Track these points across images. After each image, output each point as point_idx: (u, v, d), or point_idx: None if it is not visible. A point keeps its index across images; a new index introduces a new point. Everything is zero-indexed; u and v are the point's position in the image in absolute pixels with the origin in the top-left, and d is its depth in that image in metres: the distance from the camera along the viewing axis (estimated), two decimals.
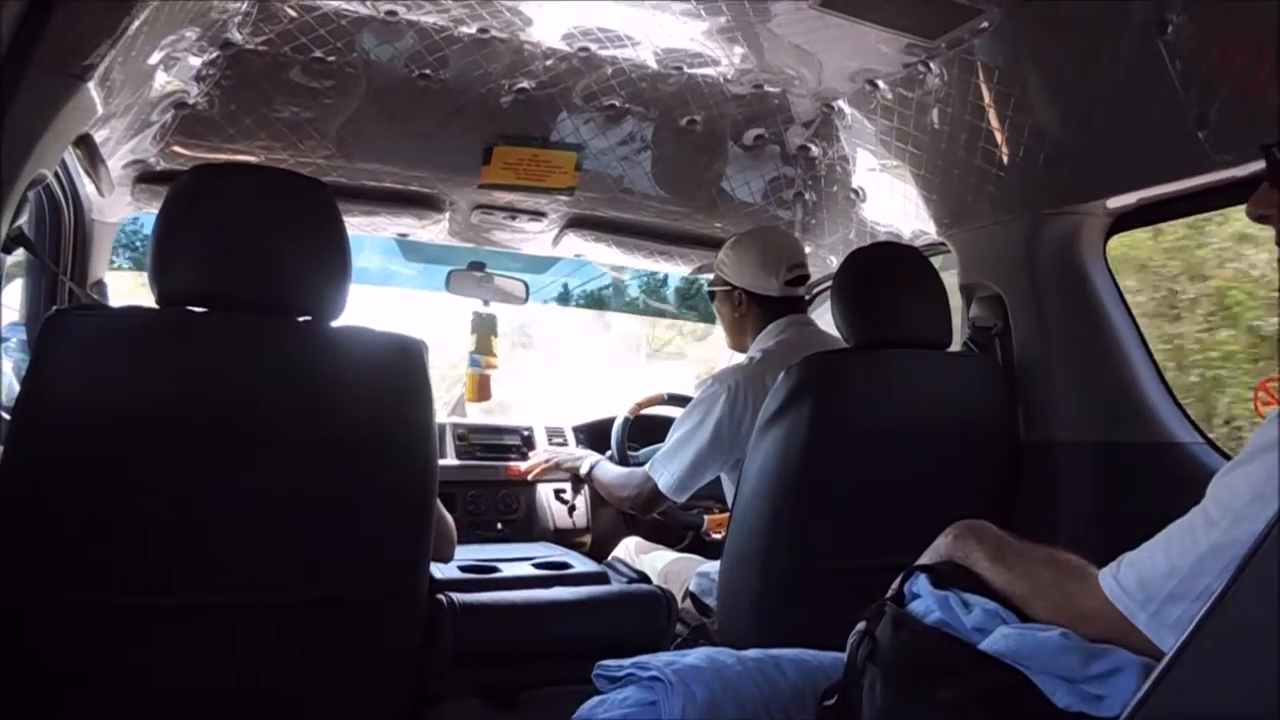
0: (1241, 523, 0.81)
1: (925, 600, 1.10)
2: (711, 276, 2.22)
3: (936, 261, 1.89)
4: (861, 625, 1.11)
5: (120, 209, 2.08)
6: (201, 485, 1.21)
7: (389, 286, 3.01)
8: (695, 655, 1.25)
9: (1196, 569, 0.84)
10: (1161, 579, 0.87)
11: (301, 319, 1.29)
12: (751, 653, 1.29)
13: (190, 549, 1.21)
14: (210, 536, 1.22)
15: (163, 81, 1.70)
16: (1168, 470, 1.62)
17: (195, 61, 1.73)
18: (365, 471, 1.29)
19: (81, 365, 1.16)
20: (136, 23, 1.27)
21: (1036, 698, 0.88)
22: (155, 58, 1.56)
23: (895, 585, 1.09)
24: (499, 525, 2.37)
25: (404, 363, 1.31)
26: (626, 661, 1.26)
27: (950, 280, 1.92)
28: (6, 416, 1.34)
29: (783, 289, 2.04)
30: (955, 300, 1.90)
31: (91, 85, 1.30)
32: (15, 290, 1.87)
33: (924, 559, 1.17)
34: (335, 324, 1.31)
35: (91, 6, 1.20)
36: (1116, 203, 1.70)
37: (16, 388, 1.51)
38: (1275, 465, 0.80)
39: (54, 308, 1.77)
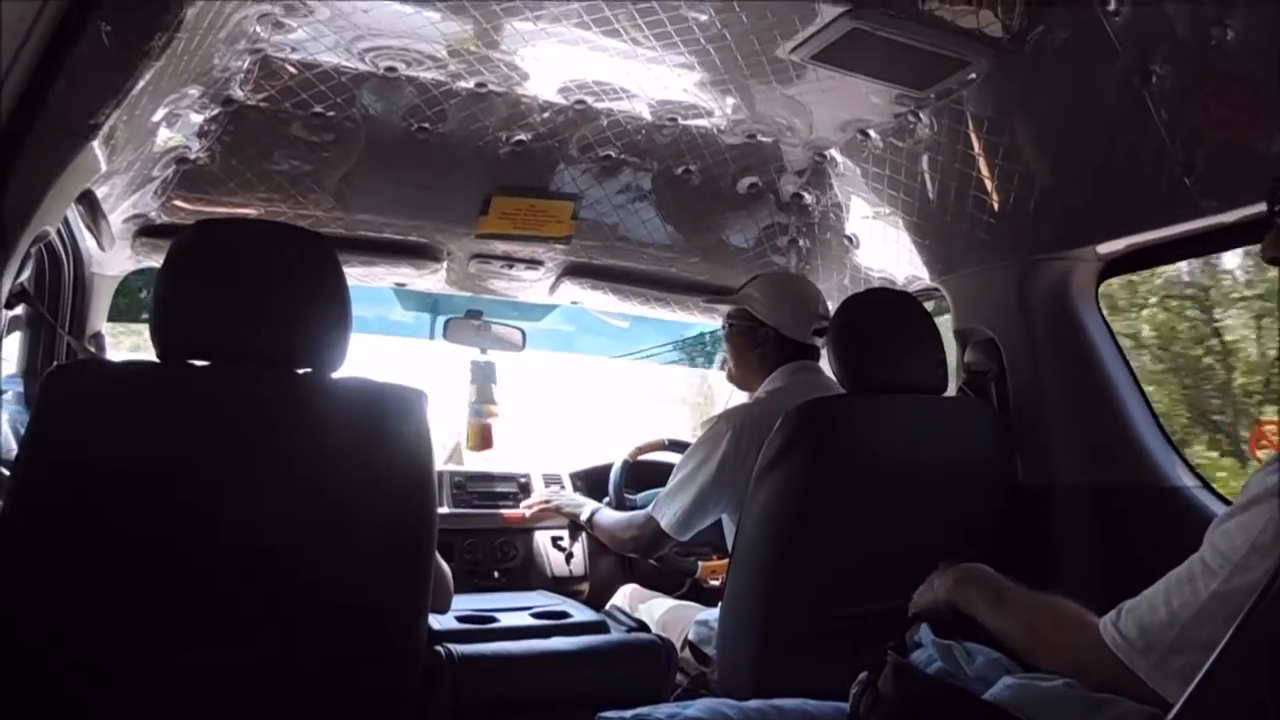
0: (1242, 573, 0.81)
1: (927, 649, 1.09)
2: (724, 316, 2.21)
3: (930, 306, 1.91)
4: (864, 675, 1.10)
5: (121, 263, 2.09)
6: (203, 537, 1.21)
7: (386, 336, 3.03)
8: (697, 707, 1.24)
9: (1198, 619, 0.84)
10: (1162, 628, 0.87)
11: (302, 371, 1.29)
12: (753, 704, 1.28)
13: (192, 602, 1.20)
14: (211, 589, 1.21)
15: (165, 138, 1.72)
16: (1166, 514, 1.62)
17: (197, 118, 1.75)
18: (364, 522, 1.29)
19: (81, 420, 1.16)
20: (141, 83, 1.30)
21: None
22: (158, 115, 1.59)
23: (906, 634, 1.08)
24: (496, 573, 2.35)
25: (404, 413, 1.32)
26: (628, 713, 1.25)
27: (944, 325, 1.93)
28: (5, 471, 1.34)
29: (809, 337, 2.05)
30: (950, 344, 1.91)
31: (96, 144, 1.32)
32: (12, 342, 1.88)
33: (919, 598, 1.17)
34: (336, 375, 1.31)
35: (98, 68, 1.22)
36: (1107, 248, 1.72)
37: (13, 443, 1.51)
38: (1273, 514, 0.80)
39: (54, 362, 1.77)
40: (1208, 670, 0.64)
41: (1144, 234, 1.63)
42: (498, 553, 2.37)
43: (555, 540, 2.43)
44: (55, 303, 1.93)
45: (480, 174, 2.10)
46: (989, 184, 1.76)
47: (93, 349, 2.07)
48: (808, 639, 1.59)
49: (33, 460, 1.15)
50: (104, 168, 1.42)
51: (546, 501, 2.40)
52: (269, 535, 1.23)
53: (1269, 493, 0.83)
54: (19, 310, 1.66)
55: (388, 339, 3.00)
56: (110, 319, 2.19)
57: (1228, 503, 0.96)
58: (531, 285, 2.52)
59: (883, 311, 1.79)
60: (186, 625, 1.20)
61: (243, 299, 1.25)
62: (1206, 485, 1.66)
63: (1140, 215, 1.58)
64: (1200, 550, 0.88)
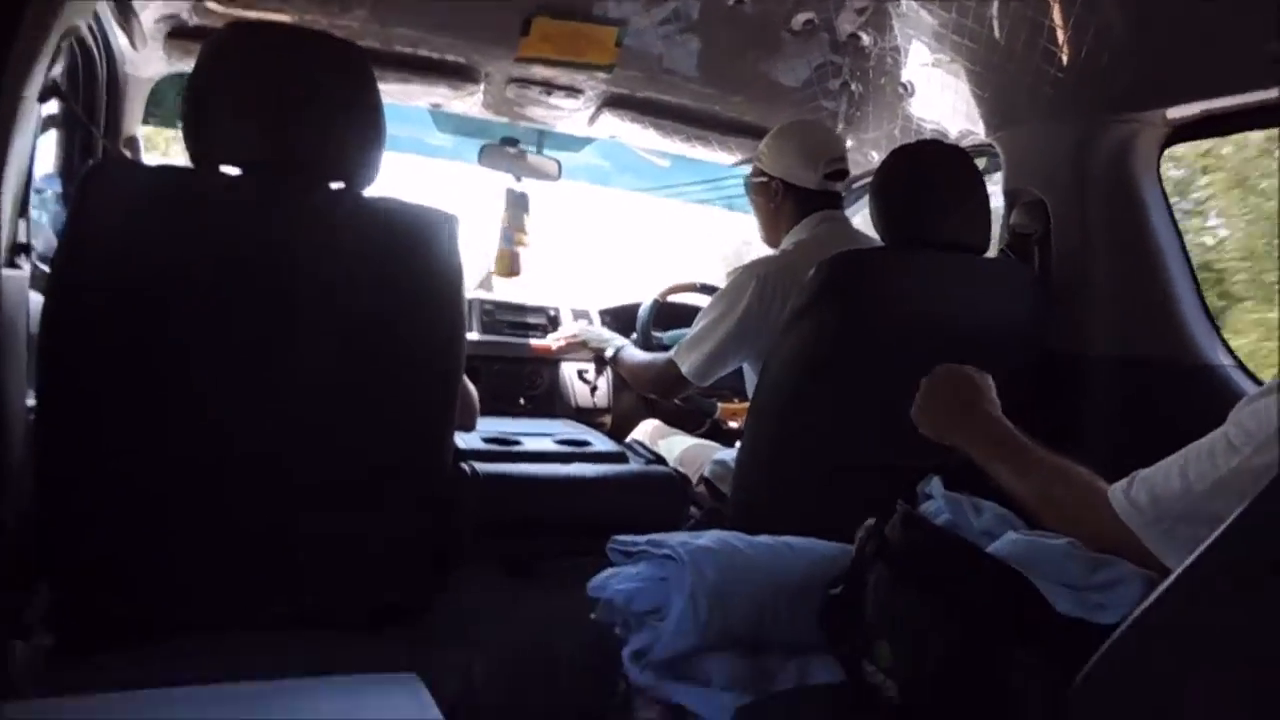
0: (1263, 452, 0.81)
1: (937, 501, 1.12)
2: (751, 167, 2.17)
3: (980, 164, 1.83)
4: (871, 522, 1.14)
5: (153, 64, 2.04)
6: (231, 343, 1.23)
7: (420, 156, 2.99)
8: (708, 537, 1.29)
9: (1212, 493, 0.84)
10: (1174, 498, 0.87)
11: (335, 185, 1.28)
12: (763, 538, 1.32)
13: (217, 405, 1.24)
14: (236, 396, 1.25)
15: None
16: (1197, 392, 1.61)
17: None
18: (393, 338, 1.30)
19: (120, 220, 1.16)
20: None
21: (1038, 602, 0.91)
22: None
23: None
24: (521, 400, 2.41)
25: (436, 235, 1.31)
26: (641, 538, 1.30)
27: (992, 186, 1.87)
28: (45, 268, 1.36)
29: (821, 183, 2.00)
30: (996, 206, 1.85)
31: None
32: (47, 142, 1.87)
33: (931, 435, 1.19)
34: (368, 193, 1.30)
35: None
36: (1177, 113, 1.63)
37: (53, 238, 1.53)
38: None
39: (89, 161, 1.77)
40: (1213, 542, 0.65)
41: (1220, 100, 1.53)
42: (524, 381, 2.42)
43: (580, 373, 2.48)
44: (91, 103, 1.91)
45: None
46: (1061, 34, 1.65)
47: (128, 153, 2.06)
48: (822, 485, 1.63)
49: (72, 258, 1.16)
50: None
51: (574, 335, 2.43)
52: (295, 344, 1.25)
53: None
54: (53, 109, 1.64)
55: (423, 160, 2.96)
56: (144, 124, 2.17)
57: (1261, 385, 0.95)
58: (570, 115, 2.44)
59: (930, 163, 1.73)
60: (218, 424, 1.24)
61: (275, 105, 1.22)
62: (1241, 365, 1.64)
63: (1218, 80, 1.48)
64: (1224, 426, 0.88)
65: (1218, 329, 1.67)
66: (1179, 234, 1.71)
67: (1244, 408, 0.88)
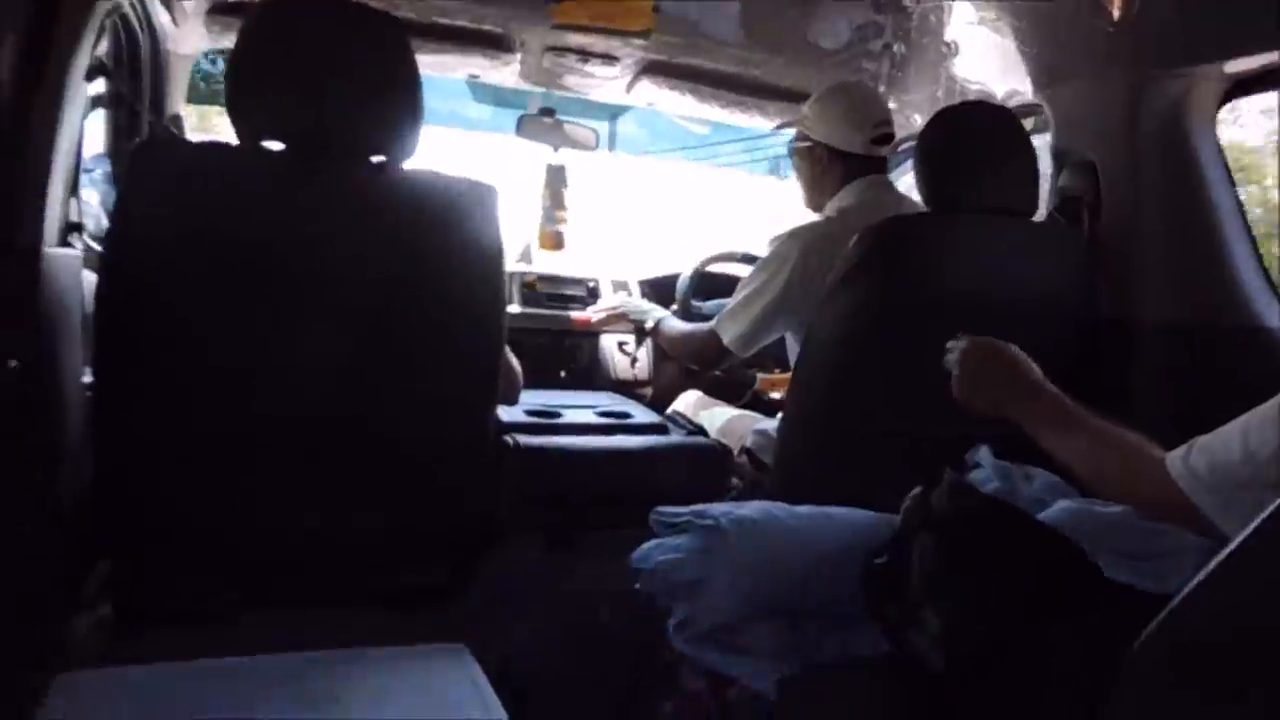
0: None
1: (985, 469, 1.11)
2: (794, 132, 2.14)
3: (1028, 125, 1.78)
4: (917, 490, 1.13)
5: (195, 39, 2.06)
6: (283, 321, 1.25)
7: (458, 128, 2.99)
8: (751, 508, 1.29)
9: (1273, 460, 0.82)
10: (1235, 466, 0.85)
11: (375, 159, 1.29)
12: (805, 509, 1.32)
13: (269, 383, 1.26)
14: (284, 372, 1.26)
15: None
16: (1255, 356, 1.56)
17: None
18: (437, 312, 1.31)
19: (167, 199, 1.18)
20: None
21: (1090, 570, 0.89)
22: None
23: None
24: (562, 373, 2.42)
25: (476, 207, 1.31)
26: (685, 509, 1.30)
27: (1041, 147, 1.81)
28: (97, 247, 1.38)
29: (867, 147, 1.96)
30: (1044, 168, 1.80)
31: None
32: (95, 121, 1.89)
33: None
34: (408, 166, 1.31)
35: None
36: (1235, 66, 1.56)
37: (104, 218, 1.56)
38: None
39: (136, 140, 1.79)
40: (1275, 509, 0.63)
41: None
42: (565, 353, 2.43)
43: (621, 345, 2.48)
44: (135, 82, 1.93)
45: None
46: None
47: (174, 130, 2.08)
48: (866, 455, 1.62)
49: (122, 237, 1.18)
50: None
51: (614, 308, 2.43)
52: (345, 319, 1.27)
53: None
54: (100, 88, 1.66)
55: (462, 133, 2.96)
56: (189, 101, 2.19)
57: None
58: (607, 83, 2.42)
59: (976, 126, 1.69)
60: (266, 405, 1.26)
61: (315, 79, 1.23)
62: None
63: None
64: None
65: (1276, 291, 1.62)
66: (1236, 194, 1.65)
67: None
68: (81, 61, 1.25)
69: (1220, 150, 1.66)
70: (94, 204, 1.63)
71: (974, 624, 0.91)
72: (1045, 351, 1.68)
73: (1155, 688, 0.70)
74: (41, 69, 1.18)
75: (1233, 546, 0.64)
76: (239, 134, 1.24)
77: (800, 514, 1.28)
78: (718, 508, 1.26)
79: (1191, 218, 1.65)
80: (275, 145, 1.25)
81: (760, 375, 2.44)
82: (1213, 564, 0.65)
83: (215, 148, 1.30)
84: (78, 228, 1.34)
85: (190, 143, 1.75)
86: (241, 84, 1.23)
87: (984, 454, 1.13)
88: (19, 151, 1.16)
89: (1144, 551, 0.89)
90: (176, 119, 2.13)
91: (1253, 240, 1.64)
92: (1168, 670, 0.68)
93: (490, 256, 1.32)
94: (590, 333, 2.46)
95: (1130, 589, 0.86)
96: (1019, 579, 0.90)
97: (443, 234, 1.30)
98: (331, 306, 1.26)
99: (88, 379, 1.27)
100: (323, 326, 1.26)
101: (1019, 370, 1.14)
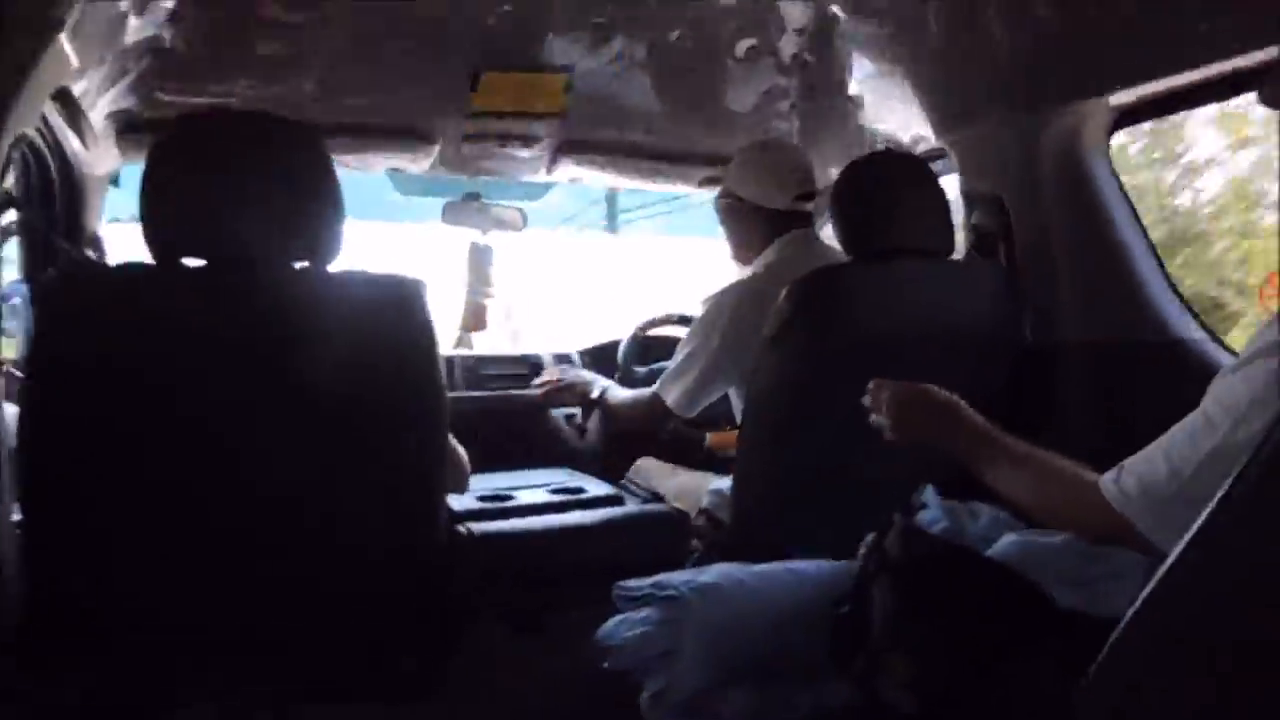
0: (1241, 426, 0.81)
1: (933, 510, 1.12)
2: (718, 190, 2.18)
3: (936, 168, 1.86)
4: (871, 537, 1.14)
5: (107, 161, 2.05)
6: (219, 437, 1.23)
7: (383, 221, 3.00)
8: (711, 573, 1.28)
9: (1198, 474, 0.85)
10: (1163, 484, 0.88)
11: (299, 265, 1.29)
12: (765, 566, 1.32)
13: (211, 500, 1.23)
14: (228, 482, 1.24)
15: (135, 26, 1.66)
16: (1174, 369, 1.62)
17: (167, 3, 1.68)
18: (374, 411, 1.30)
19: (84, 331, 1.17)
20: None
21: (1041, 601, 0.91)
22: (125, 2, 1.52)
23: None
24: (513, 452, 2.40)
25: (405, 302, 1.32)
26: (645, 581, 1.29)
27: (950, 188, 1.89)
28: (20, 374, 1.35)
29: (791, 204, 2.01)
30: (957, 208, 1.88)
31: (63, 37, 1.27)
32: (11, 249, 1.86)
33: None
34: (332, 268, 1.31)
35: None
36: (1119, 98, 1.66)
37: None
38: (1275, 368, 0.80)
39: (48, 272, 1.77)
40: (1203, 523, 0.66)
41: (1157, 82, 1.56)
42: (514, 433, 2.41)
43: (569, 418, 2.47)
44: (49, 209, 1.91)
45: (468, 49, 2.02)
46: (998, 34, 1.69)
47: (91, 252, 2.05)
48: (818, 504, 1.63)
49: (41, 373, 1.16)
50: (76, 63, 1.37)
51: (558, 380, 2.43)
52: (281, 432, 1.25)
53: (1272, 346, 0.83)
54: (11, 217, 1.64)
55: (387, 225, 2.97)
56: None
57: (1236, 356, 0.96)
58: (528, 164, 2.46)
59: (886, 174, 1.75)
60: (209, 519, 1.24)
61: (231, 194, 1.22)
62: (1215, 338, 1.66)
63: (1156, 62, 1.51)
64: (1202, 404, 0.89)
65: (1186, 303, 1.69)
66: (1136, 214, 1.73)
67: (1218, 383, 0.89)
68: None
69: (1116, 175, 1.75)
70: (18, 331, 1.60)
71: (938, 666, 0.92)
72: (978, 382, 1.72)
73: (1114, 705, 0.71)
74: None
75: (1165, 567, 0.66)
76: (154, 254, 1.22)
77: (760, 573, 1.28)
78: (678, 577, 1.26)
79: (1097, 241, 1.72)
80: (195, 262, 1.24)
81: (710, 434, 2.45)
82: (1149, 586, 0.67)
83: (131, 270, 1.29)
84: None
85: (104, 267, 1.72)
86: (156, 203, 1.22)
87: (929, 494, 1.15)
88: None
89: (1090, 576, 0.91)
90: (96, 240, 2.10)
91: (1158, 257, 1.72)
92: (1120, 695, 0.70)
93: (424, 349, 1.32)
94: (538, 409, 2.45)
95: (1082, 615, 0.87)
96: (975, 618, 0.91)
97: (373, 332, 1.29)
98: (267, 417, 1.25)
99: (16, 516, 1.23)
100: (261, 438, 1.25)
101: (946, 409, 1.17)
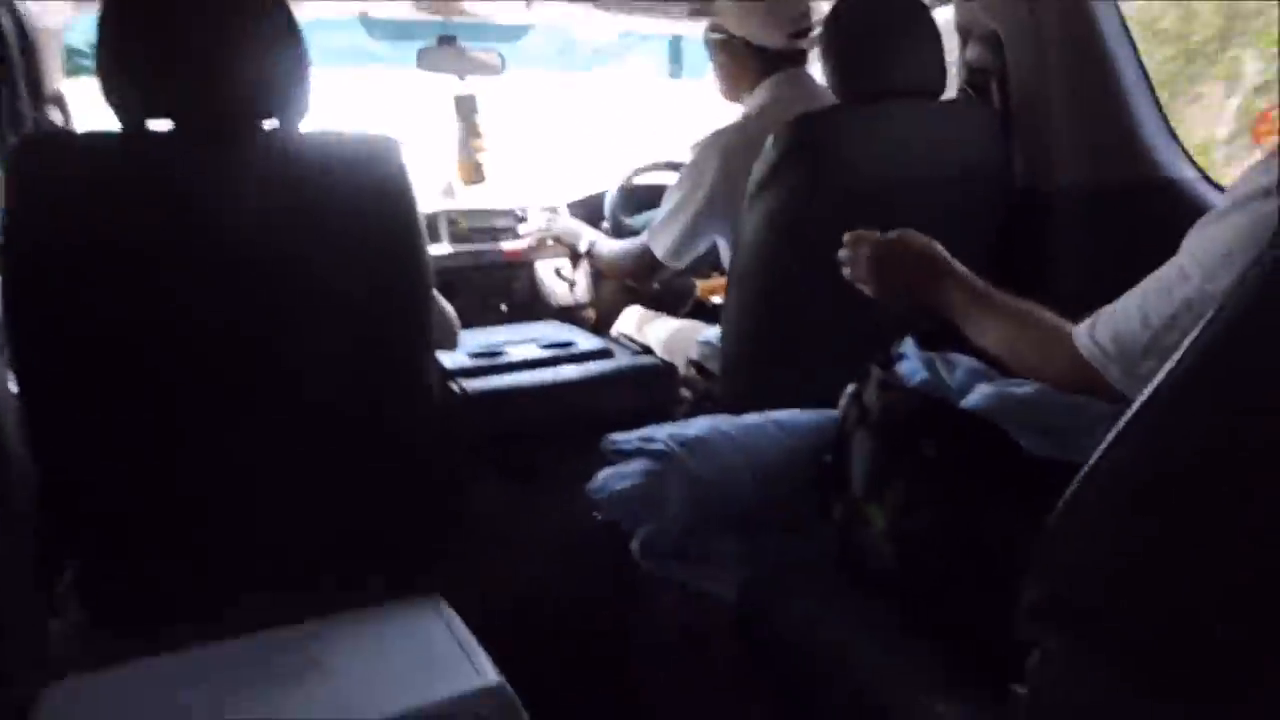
0: (1214, 279, 0.81)
1: (911, 362, 1.14)
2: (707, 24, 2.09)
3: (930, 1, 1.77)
4: (851, 388, 1.16)
5: (60, 11, 1.94)
6: (203, 303, 1.22)
7: (357, 66, 2.88)
8: (696, 425, 1.32)
9: (1169, 325, 0.85)
10: (1135, 335, 0.88)
11: (268, 124, 1.25)
12: (750, 417, 1.36)
13: (199, 368, 1.24)
14: (218, 355, 1.24)
15: None
16: (1164, 209, 1.61)
17: None
18: (354, 273, 1.29)
19: (59, 202, 1.14)
20: None
21: (1012, 449, 0.94)
22: None
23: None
24: (502, 307, 2.40)
25: (379, 162, 1.28)
26: (633, 435, 1.33)
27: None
28: None
29: (786, 42, 1.93)
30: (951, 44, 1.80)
31: None
32: None
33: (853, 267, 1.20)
34: (304, 128, 1.27)
35: None
36: None
37: None
38: (1253, 219, 0.79)
39: (19, 130, 1.71)
40: (1166, 374, 0.67)
41: None
42: (502, 286, 2.41)
43: (558, 270, 2.47)
44: (6, 66, 1.82)
45: None
46: None
47: (56, 109, 1.98)
48: (804, 354, 1.65)
49: (17, 242, 1.14)
50: None
51: (543, 230, 2.40)
52: (258, 299, 1.25)
53: (1256, 193, 0.81)
54: None
55: (359, 70, 2.85)
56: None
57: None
58: (505, 2, 2.33)
59: (877, 10, 1.67)
60: (200, 389, 1.24)
61: (192, 51, 1.17)
62: (1206, 177, 1.63)
63: None
64: (1178, 254, 0.88)
65: (1180, 143, 1.66)
66: (1134, 48, 1.66)
67: (1196, 232, 0.88)
68: None
69: (1118, 8, 1.67)
70: None
71: (914, 517, 0.96)
72: (968, 224, 1.72)
73: (1074, 547, 0.75)
74: None
75: (1129, 414, 0.68)
76: (120, 117, 1.18)
77: (745, 424, 1.31)
78: (663, 430, 1.29)
79: (1093, 77, 1.66)
80: (160, 123, 1.20)
81: (700, 282, 2.45)
82: (1112, 433, 0.69)
83: (97, 138, 1.24)
84: None
85: (72, 134, 1.66)
86: (115, 63, 1.17)
87: (909, 345, 1.17)
88: None
89: (1060, 426, 0.93)
90: (59, 97, 2.02)
91: (1154, 93, 1.67)
92: (1083, 537, 0.73)
93: (401, 208, 1.29)
94: (525, 262, 2.44)
95: (1051, 461, 0.90)
96: (949, 469, 0.95)
97: (349, 193, 1.27)
98: (249, 283, 1.24)
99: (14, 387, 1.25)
100: (245, 304, 1.24)
101: (928, 259, 1.16)
